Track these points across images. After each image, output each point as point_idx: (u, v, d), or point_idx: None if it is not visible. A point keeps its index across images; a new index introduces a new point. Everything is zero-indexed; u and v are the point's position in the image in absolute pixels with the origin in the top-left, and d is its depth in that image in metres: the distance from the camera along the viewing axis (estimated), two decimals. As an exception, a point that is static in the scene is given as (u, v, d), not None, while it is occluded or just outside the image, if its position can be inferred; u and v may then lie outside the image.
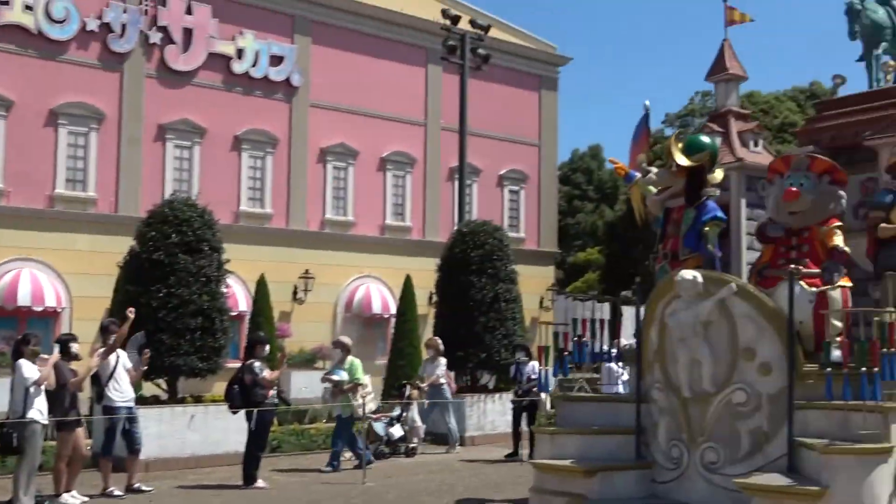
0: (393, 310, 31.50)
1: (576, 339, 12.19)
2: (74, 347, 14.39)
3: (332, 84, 35.82)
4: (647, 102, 12.40)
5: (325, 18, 36.03)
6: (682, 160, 11.44)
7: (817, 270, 10.77)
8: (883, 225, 12.01)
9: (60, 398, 13.73)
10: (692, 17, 78.74)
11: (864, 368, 9.46)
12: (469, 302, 23.22)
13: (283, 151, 35.06)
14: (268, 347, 16.90)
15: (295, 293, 34.56)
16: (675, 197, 11.53)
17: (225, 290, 20.42)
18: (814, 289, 10.64)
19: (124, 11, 31.79)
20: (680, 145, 11.64)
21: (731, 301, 10.45)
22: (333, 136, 35.95)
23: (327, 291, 34.94)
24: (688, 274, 10.50)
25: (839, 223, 11.03)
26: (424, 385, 20.40)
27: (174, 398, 18.93)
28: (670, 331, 10.71)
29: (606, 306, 12.89)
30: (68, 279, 30.29)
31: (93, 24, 31.29)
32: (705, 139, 11.92)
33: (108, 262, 26.74)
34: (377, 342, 34.58)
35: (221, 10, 33.55)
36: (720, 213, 11.37)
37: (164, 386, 19.11)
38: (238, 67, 34.05)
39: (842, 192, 11.11)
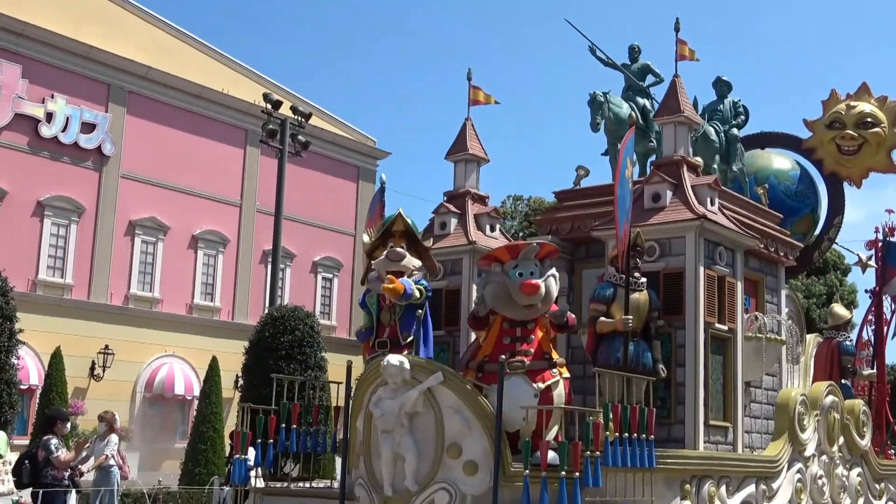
0: (197, 391, 29.81)
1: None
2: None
3: (146, 156, 34.34)
4: (384, 176, 11.90)
5: (142, 90, 34.70)
6: (365, 237, 11.09)
7: (545, 363, 10.24)
8: (602, 319, 11.27)
9: None
10: (507, 120, 79.99)
11: (563, 472, 8.98)
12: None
13: (89, 221, 33.27)
14: (69, 425, 15.13)
15: (92, 369, 32.59)
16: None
17: (16, 361, 19.02)
18: (539, 384, 10.02)
19: None
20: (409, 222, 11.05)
21: (438, 391, 9.43)
22: (144, 209, 34.43)
23: (127, 369, 33.00)
24: (394, 358, 9.52)
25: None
26: (90, 467, 17.02)
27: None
28: (375, 421, 9.71)
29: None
30: None
31: None
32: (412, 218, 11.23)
33: None
34: (178, 425, 32.83)
35: (32, 70, 31.89)
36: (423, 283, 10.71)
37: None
38: (46, 131, 32.26)
39: (556, 275, 10.58)
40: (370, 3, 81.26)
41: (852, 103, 15.99)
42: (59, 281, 32.39)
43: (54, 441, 14.82)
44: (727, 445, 12.09)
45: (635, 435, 9.82)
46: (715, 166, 14.14)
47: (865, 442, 13.90)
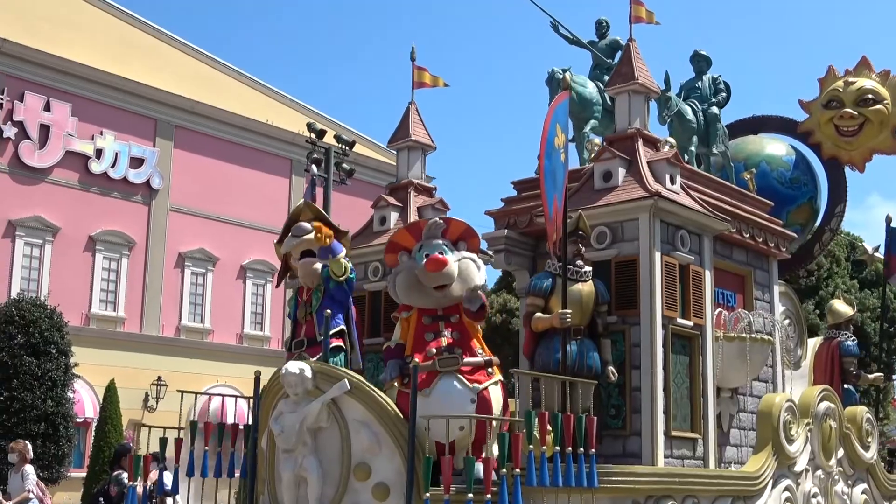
0: (249, 420, 28.14)
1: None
2: None
3: (194, 189, 33.42)
4: (314, 167, 9.99)
5: (188, 124, 33.81)
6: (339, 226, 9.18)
7: (480, 360, 8.23)
8: (538, 315, 9.49)
9: None
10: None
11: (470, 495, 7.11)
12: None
13: (139, 254, 32.38)
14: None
15: (146, 400, 31.38)
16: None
17: (72, 395, 18.29)
18: (476, 385, 8.09)
19: None
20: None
21: (343, 402, 7.73)
22: (193, 241, 33.42)
23: (180, 400, 31.35)
24: (293, 366, 7.85)
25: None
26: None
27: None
28: (275, 439, 8.04)
29: None
30: None
31: (-57, 116, 28.72)
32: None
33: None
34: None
35: (81, 108, 31.22)
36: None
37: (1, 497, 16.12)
38: (96, 167, 31.52)
39: (480, 262, 8.51)
40: (402, 28, 79.37)
41: (851, 80, 13.74)
42: (111, 314, 31.54)
43: (125, 475, 13.36)
44: (695, 460, 10.02)
45: (571, 449, 7.92)
46: (692, 149, 12.06)
47: (871, 454, 11.62)
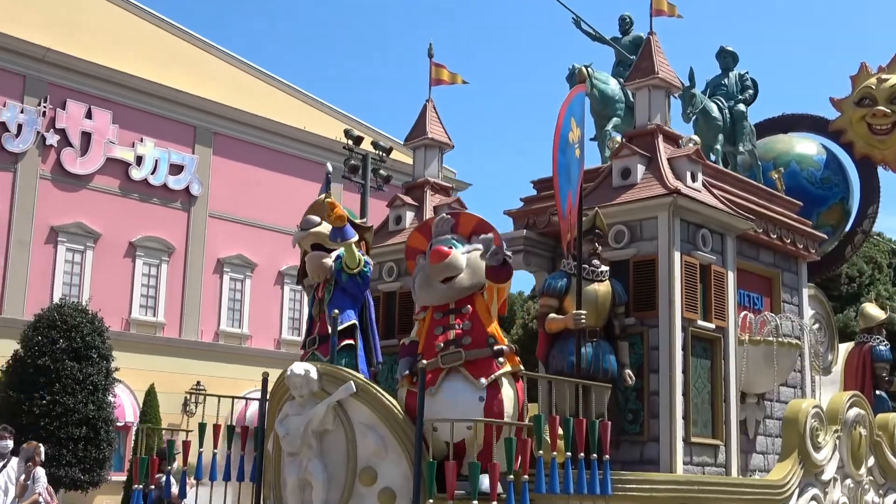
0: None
1: None
2: None
3: (232, 195, 33.53)
4: (329, 164, 10.11)
5: (226, 131, 33.98)
6: (358, 220, 8.71)
7: (488, 350, 7.56)
8: (552, 316, 9.04)
9: None
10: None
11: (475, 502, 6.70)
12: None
13: (178, 260, 32.54)
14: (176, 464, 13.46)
15: (185, 405, 31.28)
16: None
17: (112, 399, 18.21)
18: (483, 380, 7.50)
19: (21, 112, 29.52)
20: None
21: (349, 405, 7.33)
22: (231, 247, 33.55)
23: (220, 404, 31.35)
24: (298, 367, 7.43)
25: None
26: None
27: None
28: (280, 442, 7.66)
29: None
30: (-55, 381, 26.81)
31: (-13, 124, 28.95)
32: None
33: (-11, 366, 25.26)
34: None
35: (122, 116, 31.48)
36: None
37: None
38: (136, 174, 31.77)
39: (496, 248, 7.78)
40: (442, 34, 78.82)
41: (884, 76, 13.14)
42: (151, 319, 31.71)
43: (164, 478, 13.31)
44: (717, 468, 9.55)
45: (584, 455, 7.49)
46: (718, 147, 11.57)
47: (904, 463, 10.95)
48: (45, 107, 29.73)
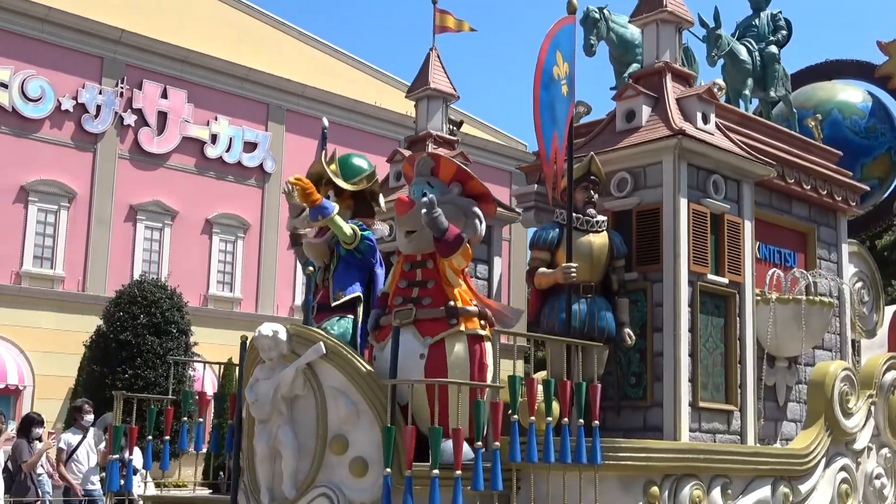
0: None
1: None
2: (37, 431, 12.80)
3: (305, 171, 32.27)
4: (325, 120, 9.23)
5: (298, 107, 33.56)
6: (342, 183, 7.82)
7: (441, 310, 6.79)
8: (541, 270, 8.15)
9: (17, 479, 12.29)
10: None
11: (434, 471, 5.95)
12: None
13: (254, 236, 32.40)
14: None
15: (261, 379, 30.75)
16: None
17: (192, 373, 18.20)
18: (429, 338, 6.72)
19: (99, 93, 29.60)
20: (333, 167, 7.96)
21: (319, 367, 6.59)
22: (305, 223, 32.40)
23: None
24: (266, 328, 6.67)
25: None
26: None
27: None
28: (251, 409, 6.87)
29: None
30: (32, 357, 27.30)
31: (67, 104, 28.91)
32: (360, 161, 8.12)
33: (73, 341, 24.83)
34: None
35: (196, 95, 31.35)
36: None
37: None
38: (211, 152, 31.61)
39: (476, 210, 7.06)
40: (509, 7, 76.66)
41: (938, 11, 11.74)
42: (228, 295, 31.62)
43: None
44: (731, 436, 8.57)
45: (568, 420, 6.67)
46: (747, 92, 10.47)
47: (951, 432, 9.71)
48: (122, 87, 29.76)
